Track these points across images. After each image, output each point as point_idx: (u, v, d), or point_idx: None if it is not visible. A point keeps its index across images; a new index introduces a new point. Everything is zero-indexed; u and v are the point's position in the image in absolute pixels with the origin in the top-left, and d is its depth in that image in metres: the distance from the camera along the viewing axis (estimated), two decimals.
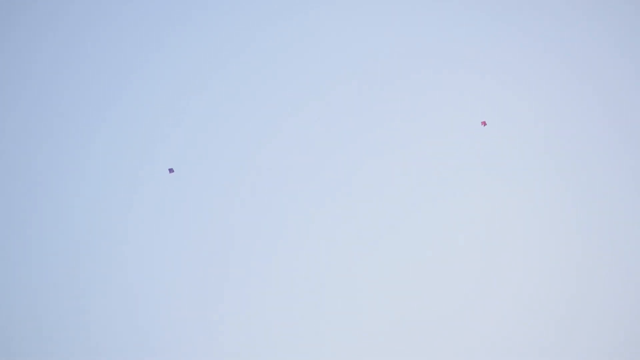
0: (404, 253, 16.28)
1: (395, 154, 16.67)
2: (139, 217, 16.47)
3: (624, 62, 16.72)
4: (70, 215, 16.46)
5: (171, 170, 16.51)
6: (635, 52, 16.73)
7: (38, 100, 16.89)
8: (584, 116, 16.60)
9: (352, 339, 16.00)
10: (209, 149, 16.73)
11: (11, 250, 16.28)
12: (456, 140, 16.62)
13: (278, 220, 16.48)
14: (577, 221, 16.22)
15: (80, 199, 16.54)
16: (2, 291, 16.12)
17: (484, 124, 16.45)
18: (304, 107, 16.88)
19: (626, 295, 15.86)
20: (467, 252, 16.22)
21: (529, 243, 16.20)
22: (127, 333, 16.02)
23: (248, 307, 16.14)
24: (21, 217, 16.42)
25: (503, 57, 16.80)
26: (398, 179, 16.61)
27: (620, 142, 16.45)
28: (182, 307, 16.14)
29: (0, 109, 16.86)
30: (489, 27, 16.88)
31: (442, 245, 16.28)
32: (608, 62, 16.74)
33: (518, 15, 16.87)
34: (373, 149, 16.71)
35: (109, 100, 16.95)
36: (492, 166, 16.49)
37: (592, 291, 15.93)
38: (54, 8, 17.16)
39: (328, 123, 16.81)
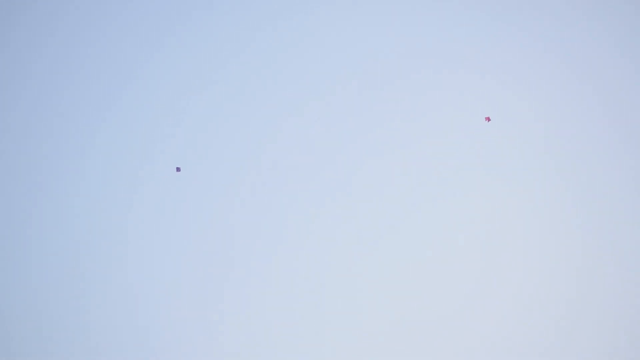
0: (404, 253, 16.28)
1: (395, 153, 16.67)
2: (139, 217, 16.48)
3: (624, 62, 16.71)
4: (71, 215, 16.47)
5: (178, 169, 16.53)
6: (635, 52, 16.72)
7: (39, 101, 16.90)
8: (584, 116, 16.59)
9: (352, 339, 16.00)
10: (209, 149, 16.73)
11: (12, 250, 16.29)
12: (456, 141, 16.62)
13: (278, 220, 16.48)
14: (578, 221, 16.22)
15: (81, 198, 16.55)
16: (2, 291, 16.13)
17: (488, 119, 16.45)
18: (304, 107, 16.88)
19: (626, 295, 15.86)
20: (467, 252, 16.22)
21: (529, 243, 16.20)
22: (127, 333, 16.03)
23: (248, 307, 16.14)
24: (22, 217, 16.43)
25: (503, 57, 16.80)
26: (398, 178, 16.61)
27: (620, 142, 16.44)
28: (182, 307, 16.15)
29: (1, 109, 16.87)
30: (489, 27, 16.88)
31: (442, 245, 16.28)
32: (608, 62, 16.74)
33: (518, 15, 16.87)
34: (373, 149, 16.71)
35: (109, 100, 16.96)
36: (492, 166, 16.49)
37: (593, 291, 15.93)
38: (56, 8, 17.17)
39: (328, 123, 16.82)
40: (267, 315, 16.11)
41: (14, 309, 16.04)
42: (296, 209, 16.52)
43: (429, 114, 16.74)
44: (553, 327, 15.83)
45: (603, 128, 16.54)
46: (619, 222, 16.15)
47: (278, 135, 16.78)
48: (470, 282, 16.11)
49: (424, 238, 16.33)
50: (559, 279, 16.02)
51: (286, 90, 16.94)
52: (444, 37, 16.91)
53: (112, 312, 16.09)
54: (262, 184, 16.62)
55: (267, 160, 16.70)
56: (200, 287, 16.21)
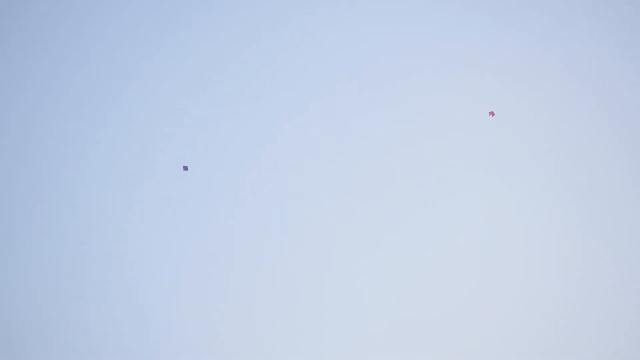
0: (405, 253, 16.29)
1: (396, 153, 16.67)
2: (139, 217, 16.49)
3: (625, 62, 16.71)
4: (72, 215, 16.47)
5: (185, 168, 16.54)
6: (636, 52, 16.72)
7: (40, 101, 16.90)
8: (584, 116, 16.59)
9: (352, 338, 16.01)
10: (209, 149, 16.73)
11: (13, 250, 16.29)
12: (456, 141, 16.62)
13: (278, 220, 16.48)
14: (578, 221, 16.22)
15: (82, 199, 16.55)
16: (3, 291, 16.14)
17: (492, 114, 16.44)
18: (305, 107, 16.88)
19: (627, 295, 15.87)
20: (468, 252, 16.23)
21: (530, 243, 16.20)
22: (129, 333, 16.03)
23: (248, 308, 16.14)
24: (23, 218, 16.44)
25: (503, 57, 16.79)
26: (398, 178, 16.61)
27: (621, 142, 16.44)
28: (183, 307, 16.15)
29: (2, 109, 16.87)
30: (489, 27, 16.88)
31: (442, 245, 16.28)
32: (608, 62, 16.74)
33: (518, 15, 16.86)
34: (373, 149, 16.71)
35: (110, 100, 16.96)
36: (493, 166, 16.49)
37: (593, 291, 15.93)
38: (57, 8, 17.16)
39: (328, 123, 16.82)
40: (267, 315, 16.12)
41: (14, 308, 16.05)
42: (296, 208, 16.53)
43: (429, 114, 16.75)
44: (553, 327, 15.84)
45: (603, 128, 16.54)
46: (619, 222, 16.15)
47: (278, 135, 16.78)
48: (471, 282, 16.12)
49: (424, 238, 16.33)
50: (559, 279, 16.03)
51: (286, 90, 16.94)
52: (444, 37, 16.91)
53: (113, 312, 16.10)
54: (262, 183, 16.62)
55: (267, 160, 16.70)
56: (200, 286, 16.22)
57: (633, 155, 16.36)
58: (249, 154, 16.72)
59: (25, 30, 17.09)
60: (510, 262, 16.15)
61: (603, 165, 16.38)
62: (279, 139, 16.77)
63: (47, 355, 15.90)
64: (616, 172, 16.34)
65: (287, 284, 16.23)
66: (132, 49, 17.11)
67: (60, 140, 16.76)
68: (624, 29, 16.76)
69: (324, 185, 16.61)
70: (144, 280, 16.22)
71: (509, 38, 16.84)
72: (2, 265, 16.23)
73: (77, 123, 16.84)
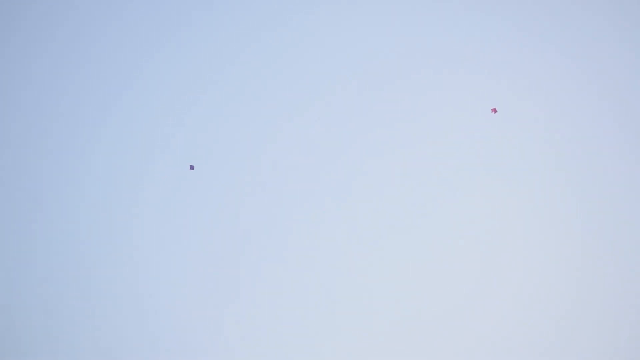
0: (405, 253, 16.30)
1: (396, 153, 16.68)
2: (141, 218, 16.49)
3: (627, 62, 16.70)
4: (77, 216, 16.48)
5: (192, 167, 16.56)
6: (637, 50, 16.71)
7: (42, 101, 16.89)
8: (585, 116, 16.59)
9: (353, 338, 16.03)
10: (210, 149, 16.74)
11: (17, 251, 16.30)
12: (457, 141, 16.62)
13: (278, 220, 16.49)
14: (579, 221, 16.23)
15: (86, 199, 16.56)
16: (8, 292, 16.15)
17: (494, 111, 16.44)
18: (305, 107, 16.88)
19: (627, 295, 15.89)
20: (468, 252, 16.24)
21: (531, 243, 16.21)
22: (134, 333, 16.05)
23: (250, 308, 16.16)
24: (26, 218, 16.45)
25: (503, 56, 16.79)
26: (399, 178, 16.62)
27: (622, 143, 16.45)
28: (188, 307, 16.17)
29: (3, 109, 16.87)
30: (489, 27, 16.87)
31: (443, 244, 16.30)
32: (610, 61, 16.73)
33: (518, 15, 16.86)
34: (374, 149, 16.71)
35: (110, 101, 16.95)
36: (493, 166, 16.50)
37: (593, 291, 15.95)
38: (58, 8, 17.15)
39: (328, 123, 16.82)
40: (268, 314, 16.14)
41: (19, 309, 16.07)
42: (296, 208, 16.54)
43: (429, 114, 16.75)
44: (553, 327, 15.87)
45: (605, 128, 16.54)
46: (619, 222, 16.17)
47: (278, 135, 16.79)
48: (471, 282, 16.13)
49: (425, 237, 16.34)
50: (559, 278, 16.04)
51: (287, 91, 16.94)
52: (444, 37, 16.91)
53: (117, 312, 16.11)
54: (262, 183, 16.63)
55: (267, 161, 16.71)
56: (201, 286, 16.23)
57: (634, 155, 16.37)
58: (250, 154, 16.73)
59: (25, 30, 17.08)
60: (512, 262, 16.17)
61: (604, 165, 16.39)
62: (279, 139, 16.77)
63: (53, 355, 15.93)
64: (617, 172, 16.35)
65: (286, 284, 16.24)
66: (132, 49, 17.11)
67: (61, 141, 16.76)
68: (627, 28, 16.75)
69: (324, 185, 16.62)
70: (150, 281, 16.23)
71: (509, 38, 16.83)
72: (5, 266, 16.24)
73: (78, 123, 16.85)
